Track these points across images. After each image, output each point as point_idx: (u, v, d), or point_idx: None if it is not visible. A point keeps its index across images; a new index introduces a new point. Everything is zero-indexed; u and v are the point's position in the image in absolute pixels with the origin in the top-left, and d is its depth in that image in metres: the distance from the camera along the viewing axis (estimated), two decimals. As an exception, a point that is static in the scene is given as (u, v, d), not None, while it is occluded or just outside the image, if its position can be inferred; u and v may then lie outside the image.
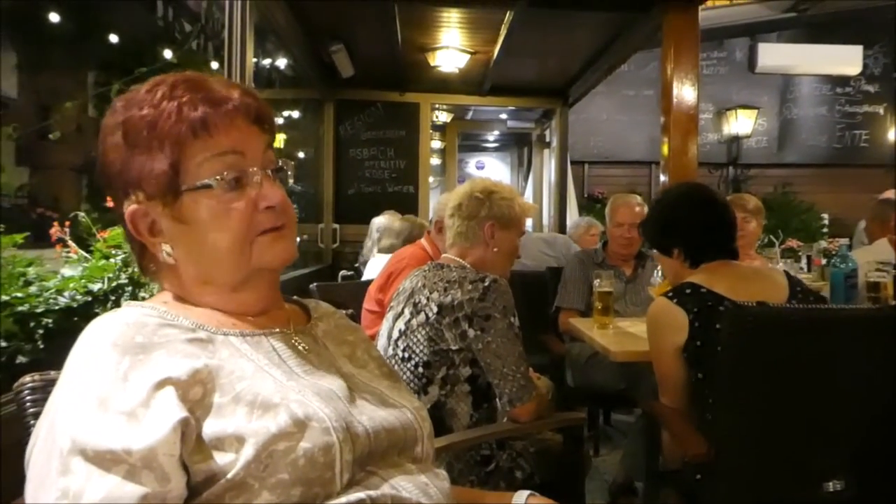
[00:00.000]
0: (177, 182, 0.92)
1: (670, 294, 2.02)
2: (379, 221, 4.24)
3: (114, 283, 1.82)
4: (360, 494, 0.87)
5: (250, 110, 0.96)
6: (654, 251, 2.30)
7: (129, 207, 0.95)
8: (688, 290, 1.99)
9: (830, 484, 1.66)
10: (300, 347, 0.99)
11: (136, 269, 1.87)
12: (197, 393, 0.83)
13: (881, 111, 9.14)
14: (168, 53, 3.57)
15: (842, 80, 9.03)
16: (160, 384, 0.80)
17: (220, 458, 0.81)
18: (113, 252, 1.89)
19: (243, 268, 0.95)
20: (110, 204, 1.79)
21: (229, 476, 0.80)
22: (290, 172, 1.04)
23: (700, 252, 2.12)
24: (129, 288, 1.85)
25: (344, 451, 0.86)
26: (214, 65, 3.80)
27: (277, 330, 0.99)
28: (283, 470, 0.82)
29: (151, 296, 1.72)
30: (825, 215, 8.41)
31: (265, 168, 0.97)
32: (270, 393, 0.86)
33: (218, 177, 0.92)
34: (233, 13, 3.08)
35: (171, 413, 0.79)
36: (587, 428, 3.87)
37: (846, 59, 8.61)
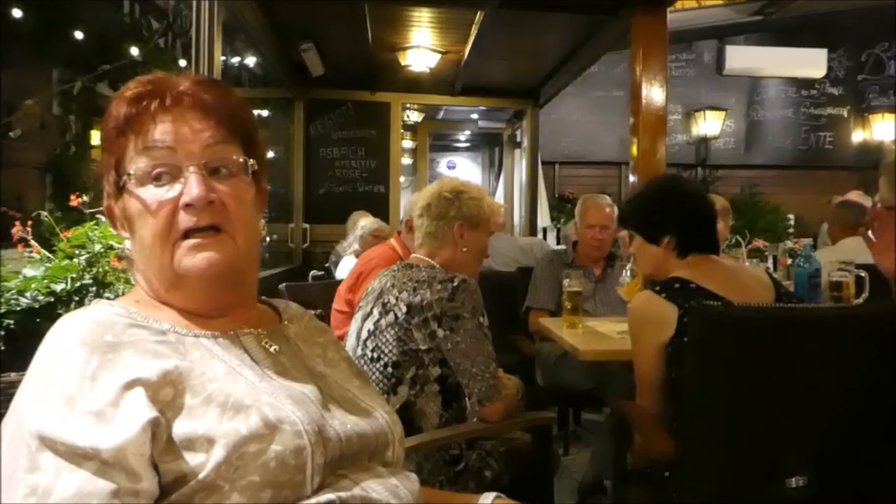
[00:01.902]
0: (119, 179, 0.94)
1: (658, 288, 1.97)
2: (365, 221, 4.24)
3: (77, 284, 1.79)
4: (330, 496, 0.87)
5: (195, 102, 0.94)
6: (631, 248, 2.24)
7: (105, 202, 0.99)
8: (676, 285, 1.95)
9: (793, 480, 1.68)
10: (272, 349, 0.99)
11: (100, 270, 1.85)
12: (167, 394, 0.82)
13: (845, 114, 9.29)
14: (135, 51, 3.53)
15: (807, 83, 9.17)
16: (129, 384, 0.80)
17: (191, 459, 0.80)
18: (77, 252, 1.86)
19: (167, 270, 0.93)
20: (74, 203, 1.76)
21: (199, 477, 0.80)
22: (251, 167, 0.99)
23: (691, 242, 2.06)
24: (94, 288, 1.82)
25: (315, 454, 0.86)
26: (182, 63, 3.76)
27: (249, 331, 0.98)
28: (254, 472, 0.81)
29: (117, 296, 1.70)
30: (791, 216, 8.54)
31: (207, 164, 0.94)
32: (242, 395, 0.86)
33: (130, 171, 0.92)
34: (200, 11, 3.05)
35: (141, 413, 0.78)
36: (557, 427, 3.90)
37: (811, 63, 8.75)
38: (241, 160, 0.97)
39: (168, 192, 0.92)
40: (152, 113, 0.92)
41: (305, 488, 0.85)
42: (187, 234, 0.92)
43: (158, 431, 0.79)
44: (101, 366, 0.81)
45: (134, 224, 0.94)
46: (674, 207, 2.11)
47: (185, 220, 0.91)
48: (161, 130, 0.92)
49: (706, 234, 2.09)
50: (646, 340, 1.96)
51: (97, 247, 1.85)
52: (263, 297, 1.14)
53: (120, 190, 0.94)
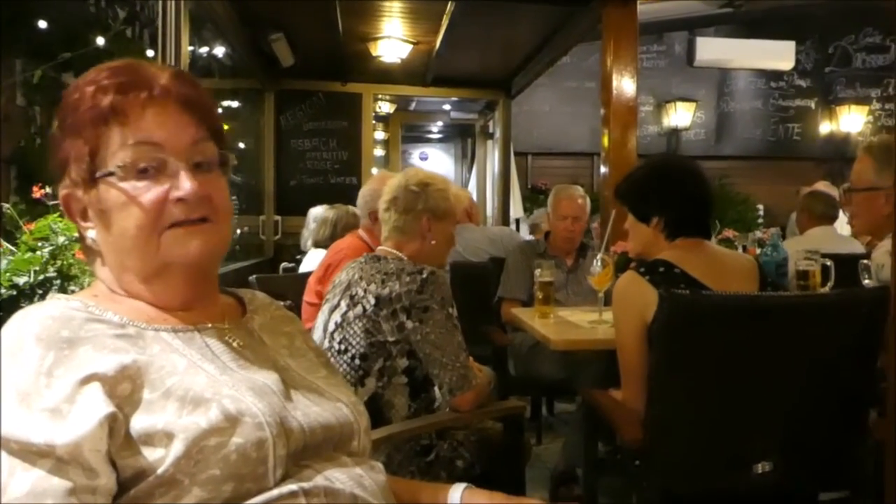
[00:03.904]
0: (93, 169, 0.92)
1: (642, 270, 1.96)
2: (315, 212, 4.20)
3: (41, 277, 1.76)
4: (293, 486, 0.86)
5: (179, 98, 0.95)
6: (626, 225, 2.19)
7: (63, 192, 0.96)
8: (661, 269, 1.94)
9: (759, 466, 1.70)
10: (234, 342, 0.97)
11: (64, 262, 1.82)
12: (125, 389, 0.81)
13: (812, 105, 9.41)
14: (100, 40, 3.46)
15: (775, 75, 9.27)
16: (86, 380, 0.79)
17: (149, 454, 0.80)
18: (40, 245, 1.83)
19: (150, 260, 0.93)
20: (37, 195, 1.72)
21: (158, 472, 0.79)
22: (227, 165, 1.01)
23: (681, 225, 2.04)
24: (58, 281, 1.79)
25: (277, 446, 0.85)
26: (150, 53, 3.70)
27: (210, 325, 0.97)
28: (215, 465, 0.81)
29: (81, 289, 1.67)
30: (760, 206, 8.65)
31: (191, 159, 0.94)
32: (202, 388, 0.85)
33: (120, 164, 0.91)
34: (166, 0, 3.01)
35: (98, 408, 0.77)
36: (530, 417, 3.92)
37: (780, 55, 8.84)
38: (218, 155, 0.99)
39: (154, 185, 0.92)
40: (140, 105, 0.92)
41: (268, 480, 0.85)
42: (173, 223, 0.92)
43: (116, 426, 0.78)
44: (56, 362, 0.79)
45: (111, 215, 0.92)
46: (666, 188, 2.09)
47: (176, 213, 0.92)
48: (149, 124, 0.92)
49: (698, 218, 2.07)
50: (628, 322, 1.96)
51: (61, 239, 1.82)
52: (229, 288, 1.12)
53: (94, 180, 0.92)
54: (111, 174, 0.91)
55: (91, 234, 0.95)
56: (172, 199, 0.92)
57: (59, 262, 1.82)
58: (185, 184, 0.92)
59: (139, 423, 0.80)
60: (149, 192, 0.91)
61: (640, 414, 1.86)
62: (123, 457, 0.79)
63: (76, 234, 1.79)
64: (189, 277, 0.96)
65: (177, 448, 0.79)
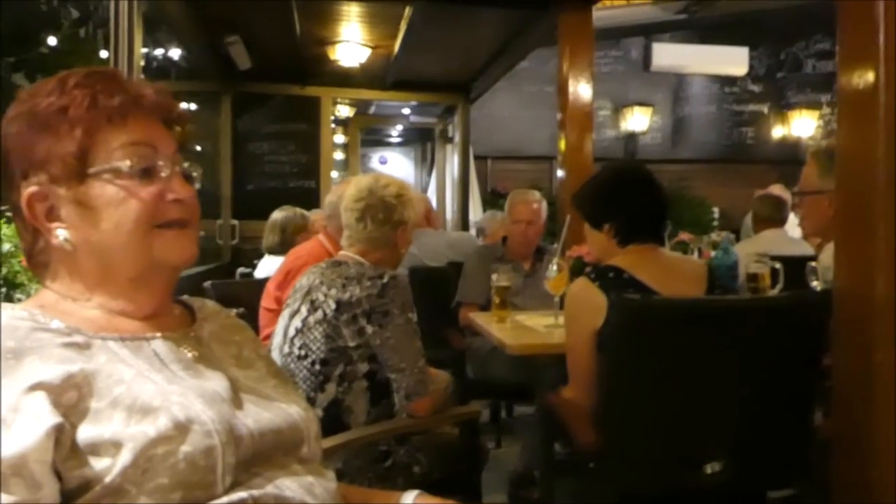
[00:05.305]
0: (85, 165, 0.92)
1: (593, 275, 1.98)
2: (273, 217, 4.17)
3: (-15, 285, 1.72)
4: (243, 494, 0.86)
5: (163, 110, 1.00)
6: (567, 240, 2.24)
7: (28, 190, 0.93)
8: (611, 274, 1.96)
9: (709, 466, 1.73)
10: (183, 350, 0.97)
11: (10, 270, 1.78)
12: (71, 398, 0.80)
13: (765, 110, 9.61)
14: (52, 40, 3.39)
15: (729, 80, 9.44)
16: (31, 389, 0.77)
17: (96, 464, 0.79)
18: (-15, 252, 1.79)
19: (142, 259, 0.95)
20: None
21: (105, 482, 0.78)
22: (196, 176, 1.05)
23: (631, 232, 2.06)
24: (3, 289, 1.76)
25: (226, 453, 0.85)
26: (104, 54, 3.64)
27: (159, 334, 0.97)
28: (163, 474, 0.80)
29: (28, 296, 1.64)
30: (716, 209, 8.80)
31: (176, 166, 0.98)
32: (150, 396, 0.84)
33: (129, 161, 0.93)
34: (119, 1, 2.96)
35: (44, 419, 0.76)
36: (490, 421, 3.93)
37: (733, 60, 9.03)
38: (190, 168, 1.02)
39: (150, 185, 0.95)
40: (134, 110, 0.96)
41: (217, 488, 0.84)
42: (162, 224, 0.96)
43: (62, 437, 0.77)
44: (2, 372, 0.78)
45: (102, 212, 0.93)
46: (616, 196, 2.11)
47: (170, 211, 0.96)
48: (144, 129, 0.97)
49: (649, 225, 2.09)
50: (578, 327, 1.98)
51: (6, 246, 1.78)
52: (179, 297, 1.12)
53: (84, 176, 0.92)
54: (110, 171, 0.93)
55: (62, 233, 0.93)
56: (169, 199, 0.96)
57: (4, 270, 1.78)
58: (181, 186, 0.98)
59: (86, 432, 0.79)
60: (147, 190, 0.95)
61: (588, 410, 1.90)
62: (69, 468, 0.78)
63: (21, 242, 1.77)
64: (170, 281, 1.01)
65: (124, 457, 0.79)
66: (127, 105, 0.95)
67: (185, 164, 1.01)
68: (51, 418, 0.76)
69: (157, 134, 0.98)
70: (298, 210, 4.13)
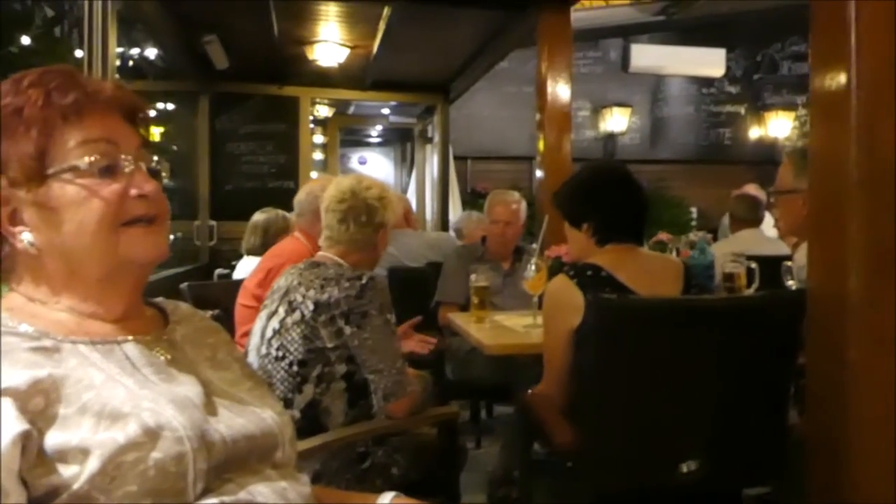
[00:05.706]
0: (43, 166, 0.90)
1: (571, 273, 1.99)
2: (254, 219, 4.13)
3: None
4: (214, 500, 0.85)
5: (124, 105, 0.98)
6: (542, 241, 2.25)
7: None
8: (589, 273, 1.97)
9: (685, 465, 1.74)
10: (156, 354, 0.96)
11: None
12: (38, 404, 0.79)
13: (742, 111, 9.69)
14: (26, 39, 3.35)
15: (707, 81, 9.52)
16: None
17: (64, 472, 0.77)
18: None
19: (109, 258, 0.93)
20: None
21: (73, 489, 0.77)
22: (164, 173, 1.04)
23: (610, 231, 2.07)
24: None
25: (198, 459, 0.84)
26: (79, 53, 3.60)
27: (131, 337, 0.95)
28: (132, 481, 0.79)
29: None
30: (694, 209, 8.86)
31: (139, 161, 0.96)
32: (120, 402, 0.83)
33: (88, 158, 0.91)
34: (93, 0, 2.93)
35: (10, 426, 0.74)
36: (469, 421, 3.93)
37: (711, 62, 9.11)
38: (156, 163, 1.00)
39: (113, 182, 0.93)
40: (92, 107, 0.93)
41: (187, 495, 0.83)
42: (128, 222, 0.94)
43: (29, 444, 0.76)
44: None
45: (64, 213, 0.91)
46: (596, 195, 2.12)
47: (135, 208, 0.94)
48: (104, 126, 0.94)
49: (628, 224, 2.10)
50: (555, 325, 1.99)
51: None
52: (151, 300, 1.10)
53: (44, 177, 0.90)
54: (69, 170, 0.90)
55: (26, 237, 0.91)
56: (133, 195, 0.93)
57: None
58: (145, 181, 0.95)
59: (53, 439, 0.78)
60: (110, 188, 0.92)
61: (559, 406, 1.93)
62: (37, 475, 0.76)
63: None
64: (139, 280, 0.99)
65: (92, 465, 0.77)
66: (82, 101, 0.92)
67: (154, 160, 0.99)
68: (17, 425, 0.75)
69: (117, 130, 0.96)
70: (280, 212, 4.10)
